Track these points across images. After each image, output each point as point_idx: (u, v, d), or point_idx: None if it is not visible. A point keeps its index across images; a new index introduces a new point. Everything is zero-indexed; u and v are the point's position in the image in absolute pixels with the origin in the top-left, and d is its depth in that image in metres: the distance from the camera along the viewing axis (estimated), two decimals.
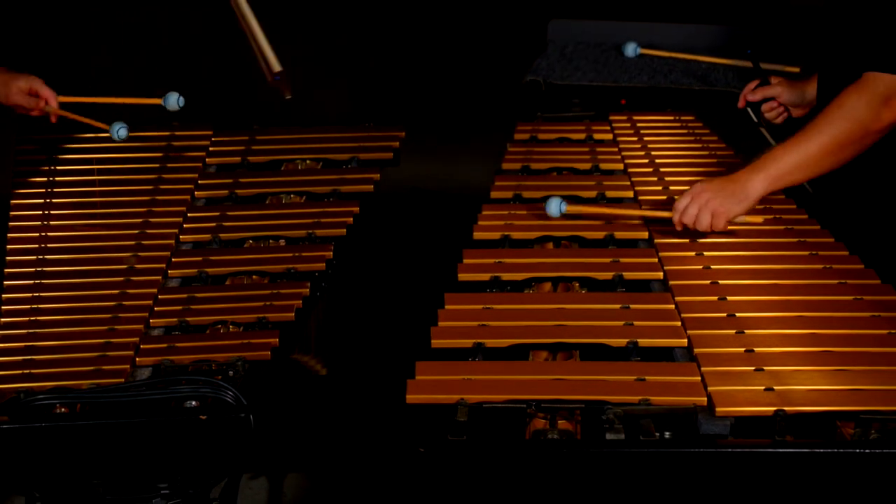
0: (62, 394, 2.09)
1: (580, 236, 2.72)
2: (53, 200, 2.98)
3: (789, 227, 2.71)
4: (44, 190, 3.03)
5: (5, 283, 2.60)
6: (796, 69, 3.43)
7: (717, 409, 1.96)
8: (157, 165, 3.15)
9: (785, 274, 2.49)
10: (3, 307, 2.51)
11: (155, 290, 2.55)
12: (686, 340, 2.21)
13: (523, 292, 2.48)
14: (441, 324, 2.28)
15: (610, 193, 2.94)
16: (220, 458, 2.11)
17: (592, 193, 2.94)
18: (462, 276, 2.52)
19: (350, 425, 3.69)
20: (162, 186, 3.05)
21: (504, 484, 1.91)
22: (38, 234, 2.81)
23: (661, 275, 2.50)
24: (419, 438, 1.91)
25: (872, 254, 2.53)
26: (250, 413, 2.05)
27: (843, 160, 2.58)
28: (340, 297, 3.52)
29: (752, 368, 2.09)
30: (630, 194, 2.95)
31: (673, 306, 2.34)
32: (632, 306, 2.34)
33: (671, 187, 2.94)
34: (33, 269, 2.65)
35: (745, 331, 2.23)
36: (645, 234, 2.71)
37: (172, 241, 2.77)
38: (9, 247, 2.76)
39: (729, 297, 2.37)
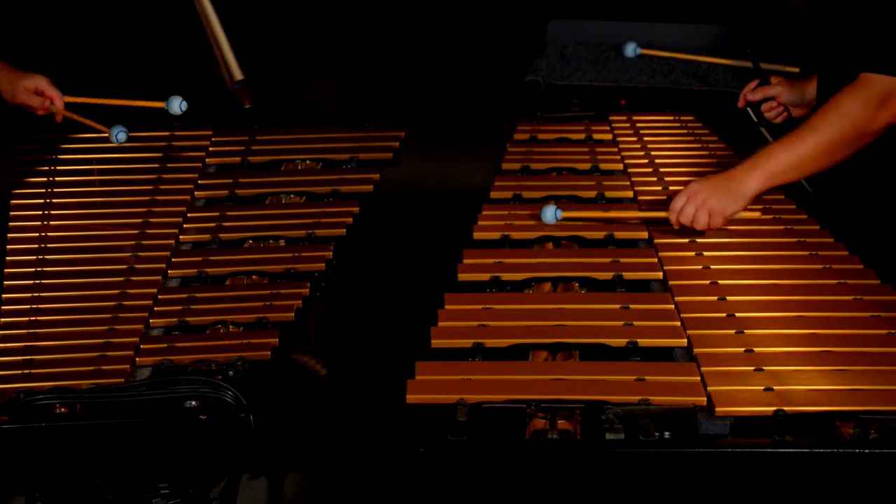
0: (62, 394, 2.09)
1: (580, 236, 2.72)
2: (53, 200, 2.98)
3: (789, 227, 2.71)
4: (44, 190, 3.03)
5: (5, 283, 2.60)
6: (796, 69, 3.43)
7: (717, 409, 1.96)
8: (157, 165, 3.15)
9: (784, 274, 2.49)
10: (3, 307, 2.51)
11: (155, 290, 2.55)
12: (686, 340, 2.21)
13: (523, 292, 2.48)
14: (441, 324, 2.28)
15: (609, 194, 2.94)
16: (219, 458, 2.11)
17: (592, 194, 2.94)
18: (462, 277, 2.52)
19: (350, 425, 3.69)
20: (162, 186, 3.05)
21: (504, 484, 1.91)
22: (38, 234, 2.81)
23: (660, 275, 2.50)
24: (419, 438, 1.91)
25: (872, 254, 2.54)
26: (250, 413, 2.05)
27: (839, 160, 2.59)
28: (340, 298, 3.53)
29: (752, 368, 2.09)
30: (630, 194, 2.95)
31: (672, 306, 2.34)
32: (631, 306, 2.34)
33: (671, 187, 2.94)
34: (33, 269, 2.65)
35: (745, 331, 2.23)
36: (645, 235, 2.71)
37: (172, 242, 2.77)
38: (9, 247, 2.76)
39: (728, 297, 2.37)
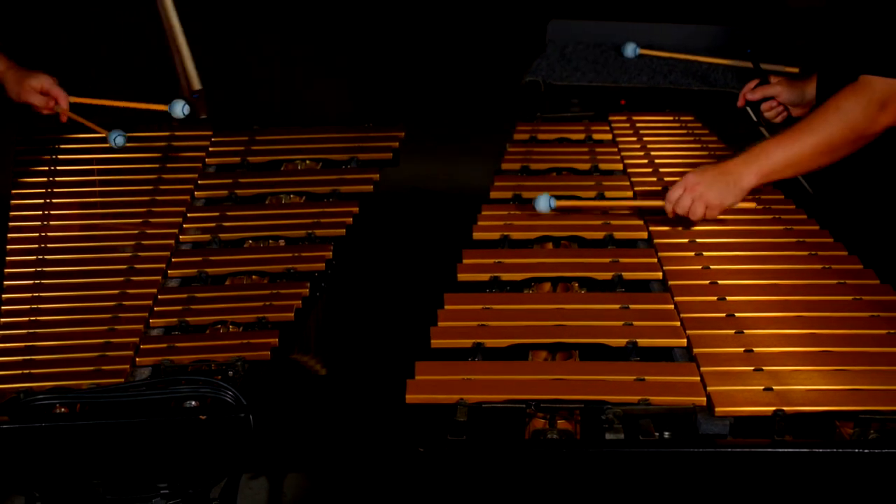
0: (62, 394, 2.09)
1: (579, 236, 2.72)
2: (53, 200, 2.98)
3: (789, 227, 2.72)
4: (44, 190, 3.03)
5: (5, 283, 2.60)
6: (796, 69, 3.43)
7: (717, 409, 1.97)
8: (156, 166, 3.15)
9: (784, 274, 2.49)
10: (3, 307, 2.51)
11: (155, 290, 2.55)
12: (685, 340, 2.21)
13: (523, 292, 2.48)
14: (441, 324, 2.29)
15: (609, 194, 2.94)
16: (219, 458, 2.11)
17: (592, 194, 2.94)
18: (461, 277, 2.52)
19: (350, 425, 3.69)
20: (162, 187, 3.05)
21: (504, 484, 1.92)
22: (38, 234, 2.82)
23: (660, 275, 2.50)
24: (419, 438, 1.91)
25: (872, 254, 2.54)
26: (250, 413, 2.05)
27: (835, 159, 2.60)
28: (340, 298, 3.53)
29: (752, 368, 2.09)
30: (629, 194, 2.95)
31: (672, 306, 2.34)
32: (631, 306, 2.34)
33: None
34: (33, 269, 2.65)
35: (745, 331, 2.23)
36: (644, 235, 2.71)
37: (172, 241, 2.78)
38: (9, 247, 2.76)
39: (728, 297, 2.37)
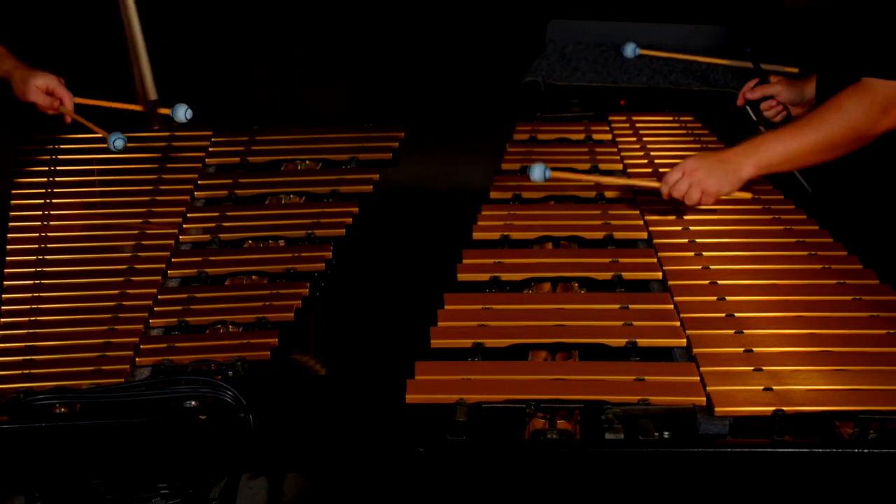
0: (62, 394, 2.09)
1: (579, 236, 2.72)
2: (53, 200, 2.98)
3: (789, 227, 2.72)
4: (44, 190, 3.03)
5: (5, 283, 2.60)
6: (795, 69, 3.43)
7: (716, 409, 1.97)
8: (156, 166, 3.16)
9: (784, 274, 2.49)
10: (3, 307, 2.51)
11: (155, 291, 2.55)
12: (685, 340, 2.21)
13: (522, 292, 2.48)
14: (440, 324, 2.29)
15: (609, 194, 2.94)
16: (219, 458, 2.11)
17: (592, 194, 2.95)
18: (461, 277, 2.52)
19: (350, 425, 3.69)
20: (162, 187, 3.06)
21: (503, 484, 1.92)
22: (38, 234, 2.82)
23: (660, 275, 2.50)
24: (419, 438, 1.91)
25: (871, 254, 2.54)
26: (250, 413, 2.05)
27: (833, 157, 2.60)
28: (340, 298, 3.53)
29: (751, 368, 2.09)
30: (629, 195, 2.95)
31: (672, 306, 2.34)
32: (631, 306, 2.34)
33: None
34: (33, 269, 2.65)
35: (744, 331, 2.23)
36: (644, 235, 2.71)
37: (172, 242, 2.78)
38: (9, 247, 2.76)
39: (728, 297, 2.37)
